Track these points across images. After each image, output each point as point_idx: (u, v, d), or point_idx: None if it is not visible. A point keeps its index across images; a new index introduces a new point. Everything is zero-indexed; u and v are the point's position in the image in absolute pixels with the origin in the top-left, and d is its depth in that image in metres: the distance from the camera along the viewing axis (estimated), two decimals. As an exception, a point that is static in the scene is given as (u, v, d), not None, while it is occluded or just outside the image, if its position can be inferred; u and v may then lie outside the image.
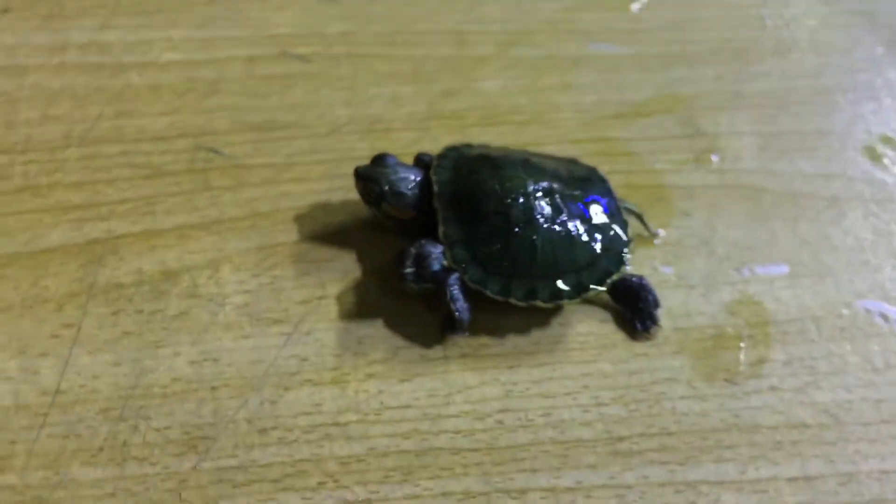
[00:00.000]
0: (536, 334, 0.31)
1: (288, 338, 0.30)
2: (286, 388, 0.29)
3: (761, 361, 0.31)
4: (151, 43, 0.38)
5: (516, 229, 0.29)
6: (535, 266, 0.29)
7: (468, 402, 0.29)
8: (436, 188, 0.31)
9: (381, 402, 0.29)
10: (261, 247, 0.32)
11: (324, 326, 0.30)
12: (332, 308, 0.31)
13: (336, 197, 0.33)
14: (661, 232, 0.33)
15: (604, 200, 0.31)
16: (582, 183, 0.31)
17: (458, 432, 0.28)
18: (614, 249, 0.30)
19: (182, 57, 0.38)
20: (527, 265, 0.29)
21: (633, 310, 0.31)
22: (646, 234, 0.33)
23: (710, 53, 0.40)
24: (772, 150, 0.36)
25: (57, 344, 0.29)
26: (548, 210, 0.30)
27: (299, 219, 0.33)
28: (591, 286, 0.30)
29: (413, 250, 0.30)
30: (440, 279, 0.29)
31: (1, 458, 0.27)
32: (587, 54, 0.39)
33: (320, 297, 0.31)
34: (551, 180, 0.30)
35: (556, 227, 0.30)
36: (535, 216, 0.29)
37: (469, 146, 0.33)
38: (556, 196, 0.30)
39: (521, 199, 0.30)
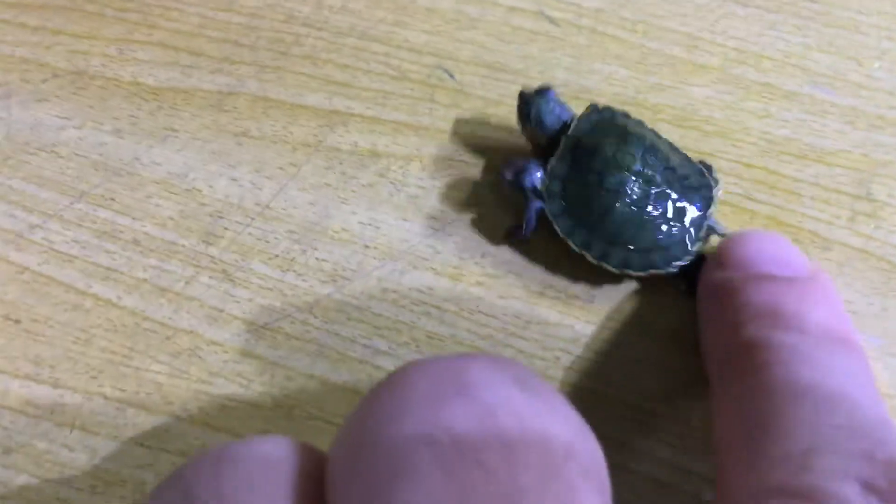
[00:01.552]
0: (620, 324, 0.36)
1: (434, 232, 0.38)
2: (414, 267, 0.37)
3: (806, 408, 0.33)
4: (443, -27, 0.47)
5: (603, 192, 0.35)
6: (601, 226, 0.35)
7: (541, 335, 0.35)
8: (570, 131, 0.37)
9: (477, 307, 0.36)
10: (447, 158, 0.40)
11: (463, 234, 0.38)
12: (477, 223, 0.38)
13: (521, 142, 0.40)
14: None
15: (690, 212, 0.35)
16: (686, 189, 0.35)
17: (521, 352, 0.35)
18: (671, 253, 0.35)
19: (460, -9, 0.46)
20: (595, 223, 0.35)
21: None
22: None
23: (927, 129, 0.40)
24: (933, 238, 0.37)
25: (280, 174, 0.39)
26: (636, 192, 0.35)
27: (486, 149, 0.40)
28: (631, 267, 0.35)
29: (521, 162, 0.37)
30: (524, 194, 0.36)
31: (213, 236, 0.38)
32: (803, 92, 0.42)
33: (470, 216, 0.38)
34: (659, 173, 0.35)
35: (634, 208, 0.35)
36: (623, 189, 0.35)
37: (625, 115, 0.38)
38: (652, 187, 0.35)
39: (622, 173, 0.35)
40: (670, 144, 0.37)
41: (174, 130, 0.41)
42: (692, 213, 0.35)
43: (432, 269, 0.37)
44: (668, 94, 0.42)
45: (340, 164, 0.40)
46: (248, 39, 0.44)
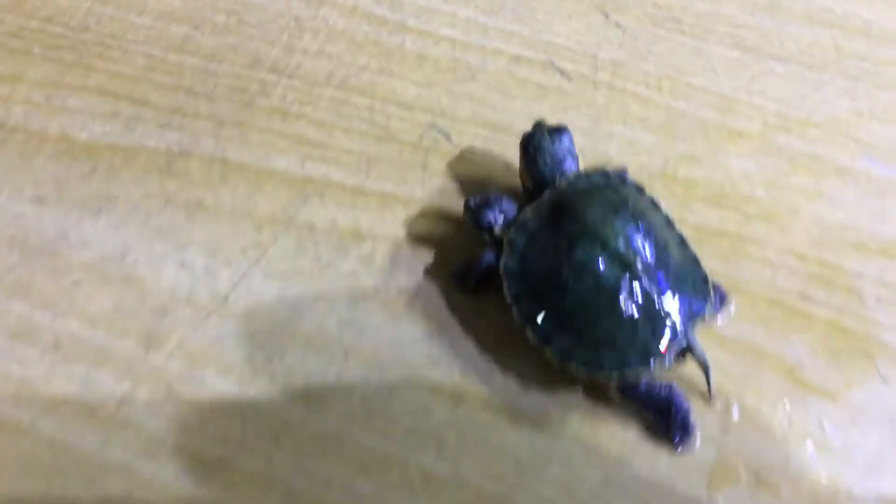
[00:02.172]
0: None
1: (431, 337, 0.31)
2: (407, 384, 0.30)
3: (890, 573, 0.27)
4: (437, 14, 0.40)
5: (567, 263, 0.29)
6: (554, 303, 0.29)
7: (568, 476, 0.28)
8: (558, 183, 0.32)
9: (486, 437, 0.29)
10: (445, 240, 0.33)
11: (466, 341, 0.31)
12: (484, 326, 0.31)
13: (534, 221, 0.34)
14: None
15: (668, 319, 0.29)
16: (674, 292, 0.29)
17: (541, 498, 0.28)
18: (626, 357, 0.28)
19: (457, 35, 0.39)
20: (549, 296, 0.29)
21: (665, 419, 0.29)
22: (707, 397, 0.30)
23: None
24: None
25: (242, 258, 0.32)
26: (607, 274, 0.29)
27: (491, 229, 0.33)
28: (574, 360, 0.29)
29: (491, 195, 0.32)
30: (480, 228, 0.31)
31: (156, 338, 0.30)
32: (856, 168, 0.36)
33: (475, 315, 0.31)
34: (644, 261, 0.29)
35: (597, 293, 0.29)
36: (592, 267, 0.29)
37: (639, 189, 0.32)
38: (628, 274, 0.29)
39: (597, 248, 0.29)
40: (682, 238, 0.31)
41: (111, 199, 0.34)
42: (671, 321, 0.29)
43: (429, 385, 0.30)
44: (702, 165, 0.36)
45: (315, 246, 0.33)
46: (204, 87, 0.37)
